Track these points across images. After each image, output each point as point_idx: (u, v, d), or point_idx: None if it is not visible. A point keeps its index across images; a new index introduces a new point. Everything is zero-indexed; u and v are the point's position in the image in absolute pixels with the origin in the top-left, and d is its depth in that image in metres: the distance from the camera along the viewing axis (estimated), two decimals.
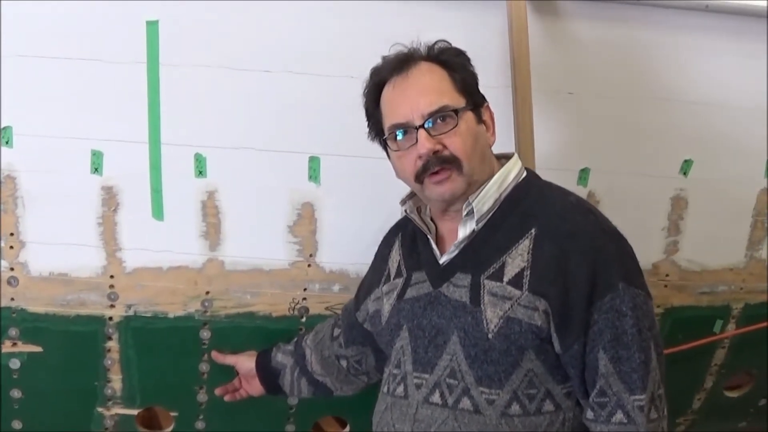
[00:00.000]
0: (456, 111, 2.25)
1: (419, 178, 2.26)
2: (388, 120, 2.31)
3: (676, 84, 3.08)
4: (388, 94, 2.33)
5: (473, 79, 2.35)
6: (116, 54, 2.68)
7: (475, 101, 2.32)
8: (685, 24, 3.01)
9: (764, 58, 3.10)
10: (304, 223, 2.88)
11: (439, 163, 2.22)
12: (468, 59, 2.36)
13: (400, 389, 2.33)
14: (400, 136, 2.28)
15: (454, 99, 2.27)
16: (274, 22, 2.74)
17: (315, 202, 2.87)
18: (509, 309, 2.16)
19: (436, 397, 2.24)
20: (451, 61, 2.32)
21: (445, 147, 2.22)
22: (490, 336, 2.16)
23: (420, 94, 2.25)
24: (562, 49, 2.96)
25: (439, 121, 2.23)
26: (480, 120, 2.32)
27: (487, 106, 2.38)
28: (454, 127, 2.23)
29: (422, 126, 2.23)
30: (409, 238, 2.49)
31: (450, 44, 2.36)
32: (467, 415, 2.20)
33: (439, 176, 2.23)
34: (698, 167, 3.14)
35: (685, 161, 3.13)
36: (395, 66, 2.32)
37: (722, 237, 3.28)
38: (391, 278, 2.50)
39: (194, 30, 2.71)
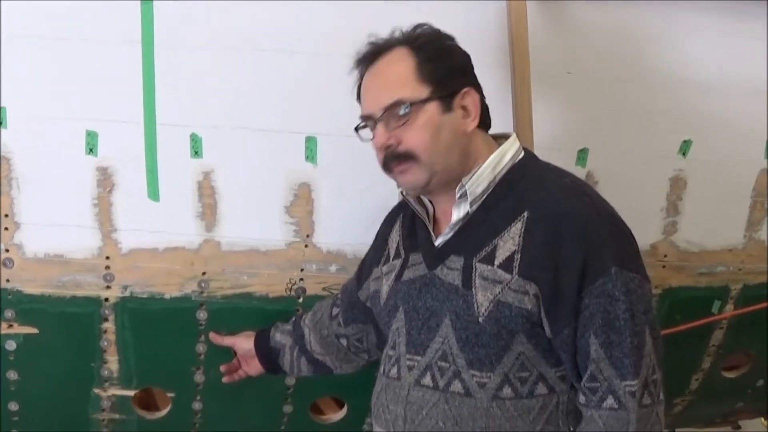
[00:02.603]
0: (412, 104, 2.22)
1: (386, 168, 2.29)
2: (361, 110, 2.35)
3: (675, 64, 3.07)
4: (363, 83, 2.36)
5: (450, 64, 2.31)
6: (111, 34, 2.67)
7: (447, 89, 2.27)
8: (685, 4, 2.99)
9: (764, 38, 3.09)
10: (301, 204, 2.87)
11: (394, 158, 2.24)
12: (449, 43, 2.33)
13: (394, 371, 2.33)
14: (368, 128, 2.31)
15: (414, 90, 2.24)
16: (270, 1, 2.73)
17: (312, 183, 2.86)
18: (499, 293, 2.15)
19: (427, 380, 2.24)
20: (426, 47, 2.28)
21: (399, 142, 2.23)
22: (480, 319, 2.16)
23: (379, 87, 2.27)
24: (561, 29, 2.95)
25: (394, 114, 2.23)
26: (449, 108, 2.26)
27: (467, 91, 2.31)
28: (406, 122, 2.22)
29: (380, 119, 2.24)
30: (408, 219, 2.49)
31: (431, 28, 2.34)
32: (458, 398, 2.20)
33: (399, 167, 2.25)
34: (697, 148, 3.14)
35: (684, 141, 3.12)
36: (367, 54, 2.34)
37: (721, 218, 3.28)
38: (390, 259, 2.50)
39: (189, 10, 2.70)
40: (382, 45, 2.32)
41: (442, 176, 2.26)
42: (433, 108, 2.25)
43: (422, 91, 2.24)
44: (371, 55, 2.32)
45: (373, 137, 2.27)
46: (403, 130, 2.22)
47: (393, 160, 2.24)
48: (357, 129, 2.36)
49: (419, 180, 2.25)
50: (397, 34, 2.33)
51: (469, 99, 2.31)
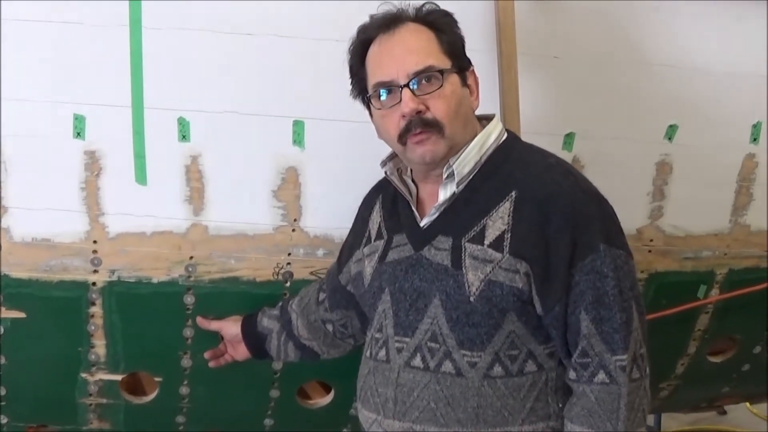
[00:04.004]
0: (441, 72, 2.24)
1: (402, 138, 2.25)
2: (373, 78, 2.30)
3: (661, 49, 3.08)
4: (374, 52, 2.32)
5: (460, 41, 2.34)
6: (99, 17, 2.65)
7: (461, 64, 2.31)
8: None
9: (751, 23, 3.11)
10: (289, 188, 2.87)
11: (421, 125, 2.22)
12: (455, 21, 2.34)
13: (382, 353, 2.34)
14: (383, 95, 2.27)
15: (440, 60, 2.26)
16: None
17: (299, 167, 2.86)
18: (490, 272, 2.16)
19: (417, 361, 2.25)
20: (439, 23, 2.30)
21: (428, 109, 2.22)
22: (471, 299, 2.17)
23: (406, 53, 2.24)
24: (548, 12, 2.95)
25: (423, 81, 2.23)
26: (464, 83, 2.31)
27: (472, 70, 2.37)
28: (438, 88, 2.23)
29: (407, 85, 2.22)
30: (389, 200, 2.49)
31: (438, 6, 2.34)
32: (449, 378, 2.21)
33: (420, 136, 2.23)
34: (683, 132, 3.15)
35: (670, 126, 3.13)
36: (382, 24, 2.30)
37: (707, 202, 3.29)
38: (372, 240, 2.49)
39: None
40: (397, 15, 2.31)
41: (455, 150, 2.27)
42: (456, 80, 2.28)
43: (446, 62, 2.27)
44: (388, 23, 2.29)
45: (401, 102, 2.22)
46: (430, 98, 2.22)
47: (418, 126, 2.22)
48: (369, 97, 2.33)
49: (440, 151, 2.24)
50: (405, 8, 2.32)
51: (473, 78, 2.36)
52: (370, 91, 2.31)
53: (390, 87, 2.26)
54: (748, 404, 5.65)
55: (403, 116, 2.22)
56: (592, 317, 2.12)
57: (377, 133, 2.38)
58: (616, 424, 2.12)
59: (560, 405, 2.22)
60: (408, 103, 2.21)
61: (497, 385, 2.19)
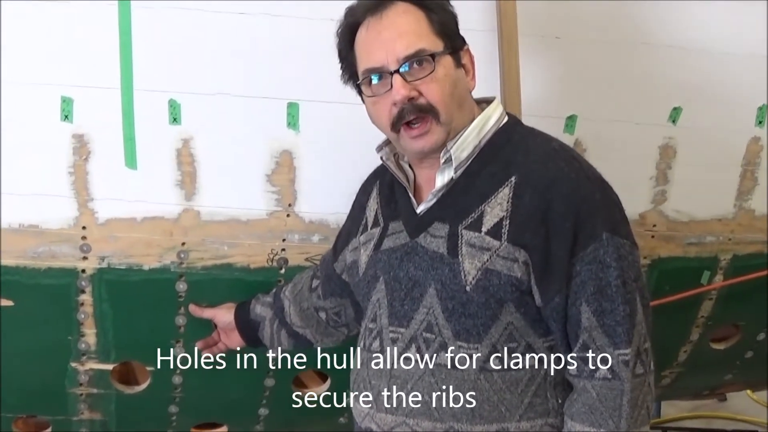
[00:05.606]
0: (433, 55, 2.17)
1: (395, 126, 2.19)
2: (363, 64, 2.24)
3: (665, 30, 3.04)
4: (362, 36, 2.24)
5: (452, 20, 2.27)
6: None
7: (454, 44, 2.24)
8: None
9: (757, 3, 3.08)
10: (283, 172, 2.83)
11: (415, 111, 2.16)
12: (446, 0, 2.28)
13: (376, 344, 2.29)
14: (374, 82, 2.21)
15: (432, 42, 2.19)
16: None
17: (294, 150, 2.82)
18: (488, 260, 2.11)
19: (412, 352, 2.20)
20: (429, 2, 2.23)
21: (421, 94, 2.16)
22: (468, 288, 2.12)
23: (395, 37, 2.17)
24: None
25: (415, 65, 2.16)
26: (459, 64, 2.25)
27: (467, 50, 2.30)
28: (430, 73, 2.16)
29: (397, 71, 2.16)
30: (387, 187, 2.44)
31: None
32: (444, 370, 2.16)
33: (416, 130, 2.18)
34: (687, 115, 3.11)
35: (674, 109, 3.10)
36: (370, 6, 2.23)
37: (711, 187, 3.26)
38: (368, 228, 2.44)
39: None
40: None
41: (452, 135, 2.21)
42: (449, 62, 2.21)
43: (438, 44, 2.20)
44: (376, 5, 2.22)
45: (392, 89, 2.16)
46: (423, 83, 2.16)
47: (412, 112, 2.16)
48: (359, 84, 2.28)
49: (438, 140, 2.19)
50: None
51: (468, 57, 2.29)
52: (360, 77, 2.25)
53: (380, 73, 2.19)
54: (749, 391, 5.66)
55: (395, 104, 2.16)
56: (593, 309, 2.06)
57: (370, 120, 2.31)
58: (618, 422, 2.06)
59: (560, 401, 2.17)
60: (399, 90, 2.15)
61: (494, 379, 2.14)
